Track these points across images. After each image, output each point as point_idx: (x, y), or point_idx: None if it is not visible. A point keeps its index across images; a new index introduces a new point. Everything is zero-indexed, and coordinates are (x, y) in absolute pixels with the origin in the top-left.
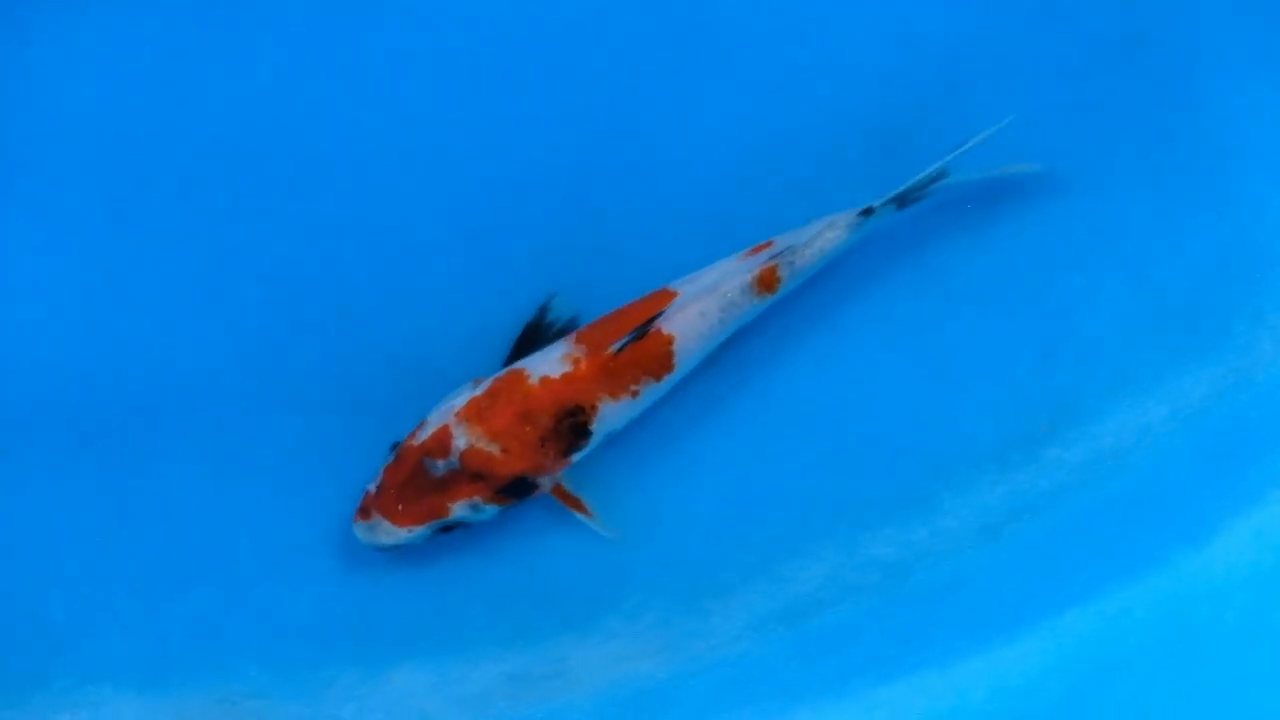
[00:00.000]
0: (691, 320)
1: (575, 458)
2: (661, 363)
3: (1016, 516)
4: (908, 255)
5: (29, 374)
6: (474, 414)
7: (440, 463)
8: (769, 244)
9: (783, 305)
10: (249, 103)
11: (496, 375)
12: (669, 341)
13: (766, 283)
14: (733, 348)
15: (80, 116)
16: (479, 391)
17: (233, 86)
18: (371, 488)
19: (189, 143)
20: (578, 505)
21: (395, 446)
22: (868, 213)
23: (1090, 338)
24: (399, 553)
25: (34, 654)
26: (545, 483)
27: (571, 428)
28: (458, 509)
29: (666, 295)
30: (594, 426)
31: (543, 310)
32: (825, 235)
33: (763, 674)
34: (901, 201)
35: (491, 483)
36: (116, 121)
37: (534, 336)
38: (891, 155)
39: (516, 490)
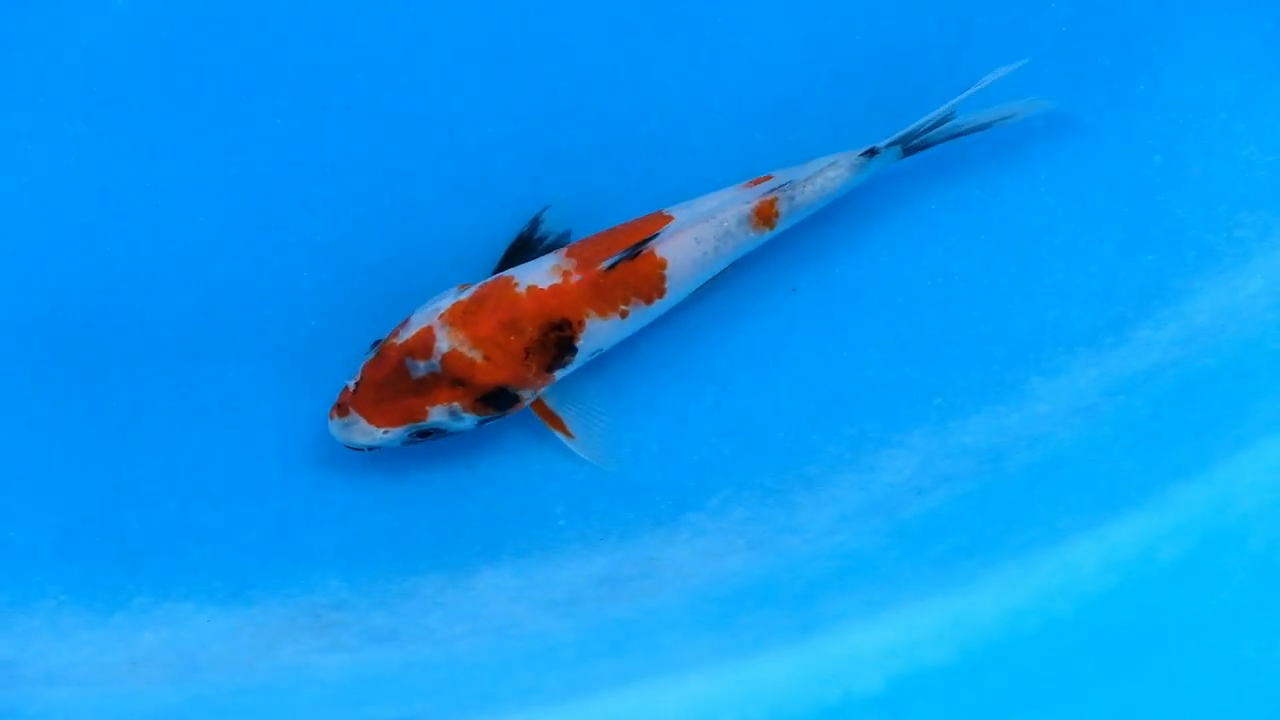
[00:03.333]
0: (686, 246)
1: (559, 374)
2: (653, 285)
3: (1111, 396)
4: (983, 140)
5: (92, 285)
6: (458, 317)
7: (421, 364)
8: (769, 177)
9: (859, 195)
10: (225, 14)
11: (484, 281)
12: (662, 265)
13: (764, 216)
14: (807, 238)
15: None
16: (465, 296)
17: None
18: (350, 384)
19: (119, 107)
20: (558, 424)
21: (377, 344)
22: (871, 153)
23: (1175, 216)
24: (369, 457)
25: (111, 572)
26: (526, 396)
27: (557, 341)
28: (436, 413)
29: (663, 219)
30: (580, 343)
31: (535, 222)
32: (827, 173)
33: (862, 565)
34: (907, 147)
35: (472, 390)
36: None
37: (525, 248)
38: (901, 99)
39: (497, 401)
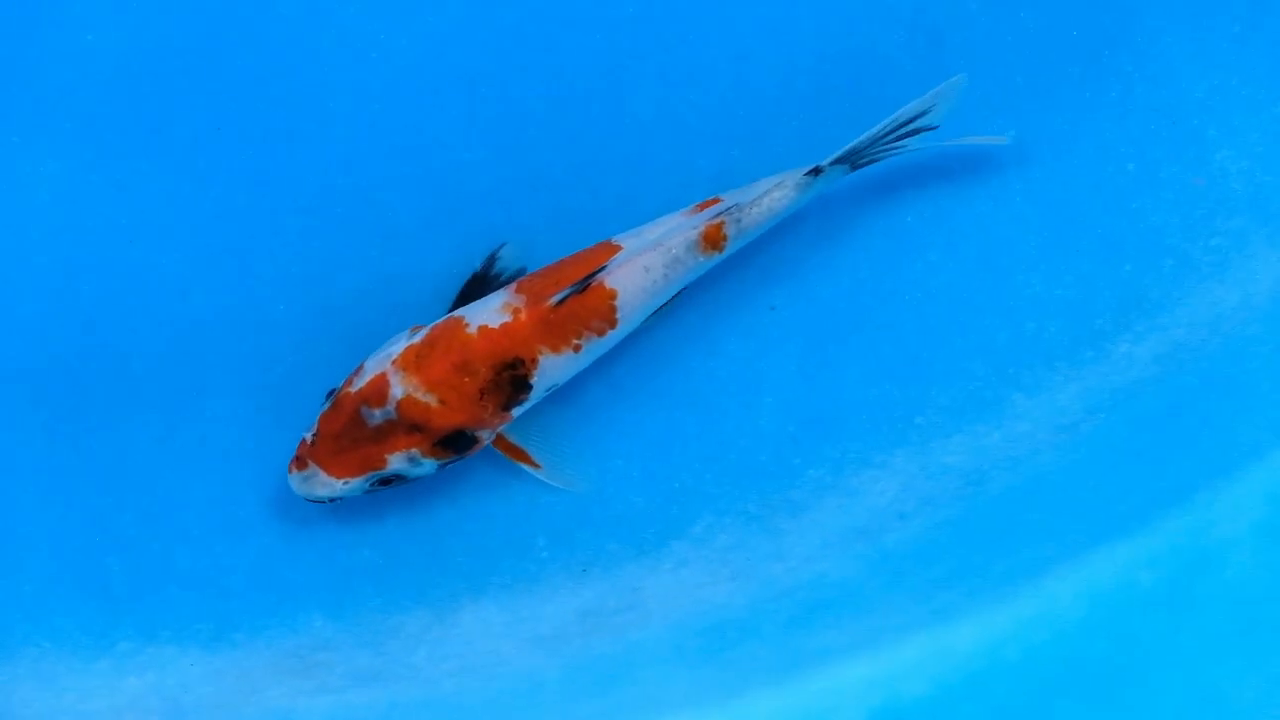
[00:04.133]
0: (635, 275)
1: (516, 412)
2: (604, 317)
3: (1092, 414)
4: (957, 153)
5: (68, 329)
6: (411, 362)
7: (377, 411)
8: (716, 200)
9: (834, 208)
10: (175, 54)
11: (435, 322)
12: (612, 296)
13: (712, 240)
14: (783, 256)
15: None
16: (417, 339)
17: (164, 39)
18: (308, 436)
19: (87, 142)
20: (523, 457)
21: (332, 393)
22: (816, 172)
23: (1151, 224)
24: (334, 506)
25: (95, 618)
26: (485, 436)
27: (511, 380)
28: (395, 461)
29: (610, 248)
30: (534, 380)
31: (490, 260)
32: (773, 194)
33: (844, 595)
34: (853, 163)
35: (429, 435)
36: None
37: (480, 286)
38: (845, 116)
39: (456, 444)
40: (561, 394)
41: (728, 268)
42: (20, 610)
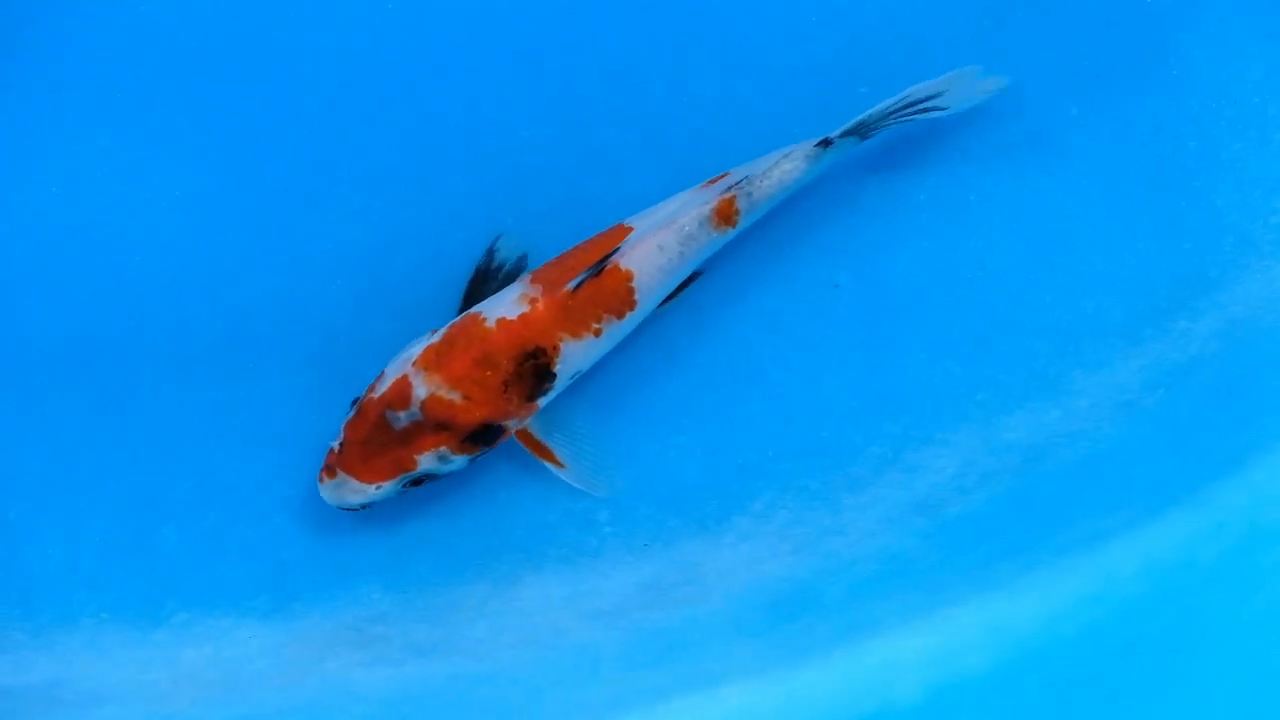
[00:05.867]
0: (650, 255)
1: (542, 402)
2: (623, 299)
3: (1151, 390)
4: (1018, 129)
5: (124, 301)
6: (432, 361)
7: (402, 414)
8: (725, 175)
9: (895, 187)
10: (234, 36)
11: (451, 321)
12: (629, 277)
13: (725, 215)
14: (846, 235)
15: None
16: (436, 339)
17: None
18: (334, 445)
19: (145, 122)
20: (547, 454)
21: (356, 402)
22: (825, 144)
23: (1212, 203)
24: (368, 511)
25: (152, 590)
26: (513, 425)
27: (534, 370)
28: (424, 460)
29: (623, 231)
30: (558, 368)
31: (490, 252)
32: (782, 166)
33: (904, 568)
34: (863, 133)
35: (456, 431)
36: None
37: (484, 279)
38: (853, 86)
39: (483, 437)
40: (621, 371)
41: (791, 247)
42: (79, 582)
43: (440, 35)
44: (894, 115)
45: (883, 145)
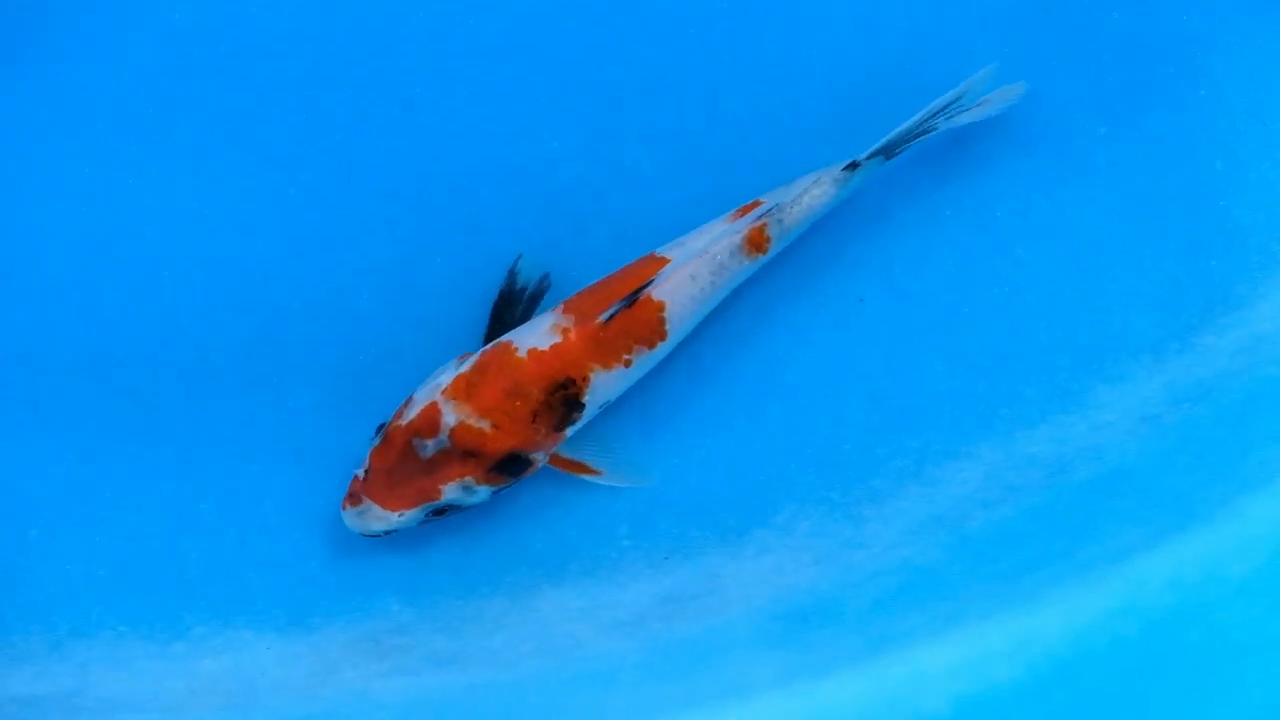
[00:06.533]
0: (682, 285)
1: (569, 432)
2: (654, 330)
3: (1176, 406)
4: (1046, 147)
5: (147, 315)
6: (462, 390)
7: (429, 442)
8: (756, 204)
9: (922, 204)
10: (212, 75)
11: (483, 349)
12: (660, 308)
13: (756, 243)
14: (872, 250)
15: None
16: (466, 367)
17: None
18: (359, 472)
19: (173, 131)
20: (581, 469)
21: (381, 429)
22: (853, 167)
23: (1238, 221)
24: (390, 538)
25: (171, 602)
26: (539, 458)
27: (564, 400)
28: (449, 490)
29: (655, 261)
30: (586, 398)
31: (512, 274)
32: (812, 192)
33: (927, 580)
34: (889, 152)
35: (483, 461)
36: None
37: (509, 301)
38: (876, 107)
39: (510, 468)
40: (644, 384)
41: (816, 261)
42: (98, 594)
43: (468, 51)
44: (918, 130)
45: (910, 161)
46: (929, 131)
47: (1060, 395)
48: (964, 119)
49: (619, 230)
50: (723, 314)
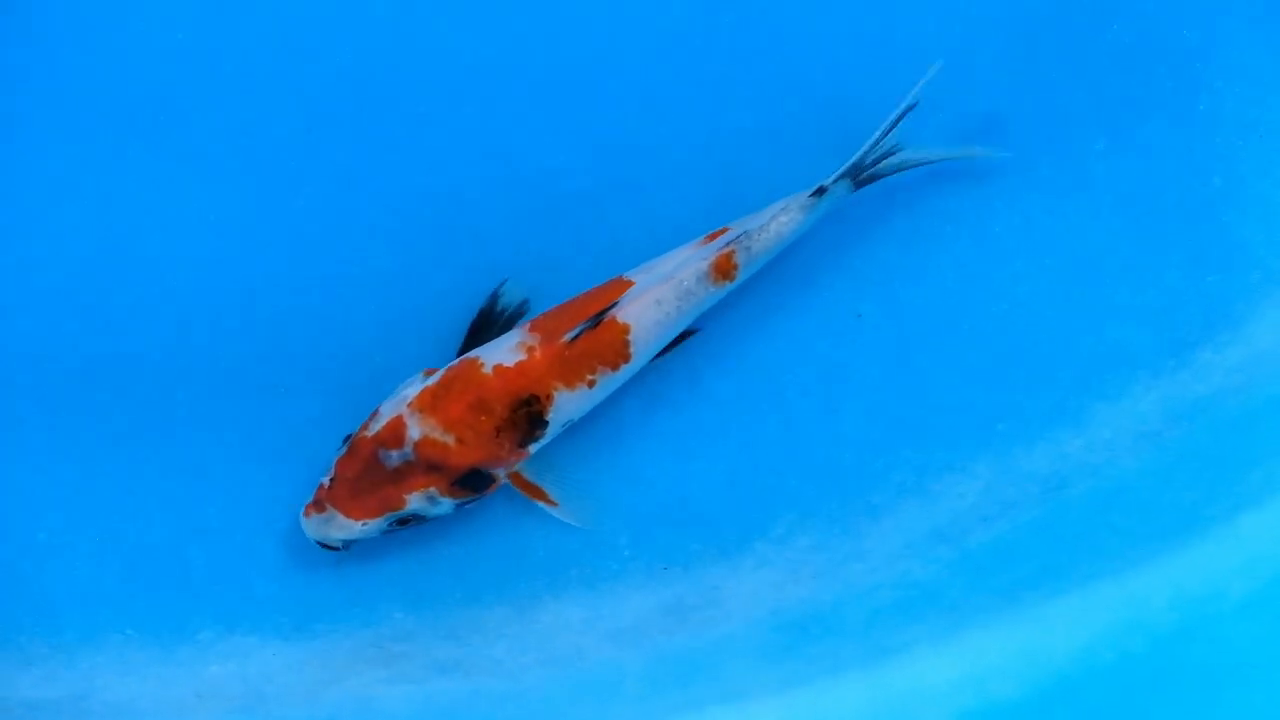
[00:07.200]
0: (648, 309)
1: (533, 449)
2: (618, 352)
3: (1174, 422)
4: (1045, 161)
5: (153, 322)
6: (428, 404)
7: (394, 453)
8: (724, 230)
9: (921, 218)
10: (214, 83)
11: (450, 364)
12: (625, 331)
13: (723, 270)
14: (871, 264)
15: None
16: (432, 381)
17: (257, 40)
18: (325, 480)
19: (177, 140)
20: (539, 494)
21: (348, 439)
22: (820, 193)
23: (1237, 237)
24: (382, 539)
25: (177, 607)
26: (501, 474)
27: (527, 417)
28: (413, 500)
29: (622, 284)
30: (550, 416)
31: (494, 297)
32: (780, 219)
33: (927, 594)
34: (856, 179)
35: (447, 474)
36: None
37: (486, 324)
38: (845, 134)
39: (473, 483)
40: (643, 396)
41: (814, 275)
42: (104, 598)
43: (446, 87)
44: (881, 146)
45: (908, 175)
46: (903, 163)
47: (1058, 411)
48: (935, 155)
49: (589, 251)
50: (721, 328)
